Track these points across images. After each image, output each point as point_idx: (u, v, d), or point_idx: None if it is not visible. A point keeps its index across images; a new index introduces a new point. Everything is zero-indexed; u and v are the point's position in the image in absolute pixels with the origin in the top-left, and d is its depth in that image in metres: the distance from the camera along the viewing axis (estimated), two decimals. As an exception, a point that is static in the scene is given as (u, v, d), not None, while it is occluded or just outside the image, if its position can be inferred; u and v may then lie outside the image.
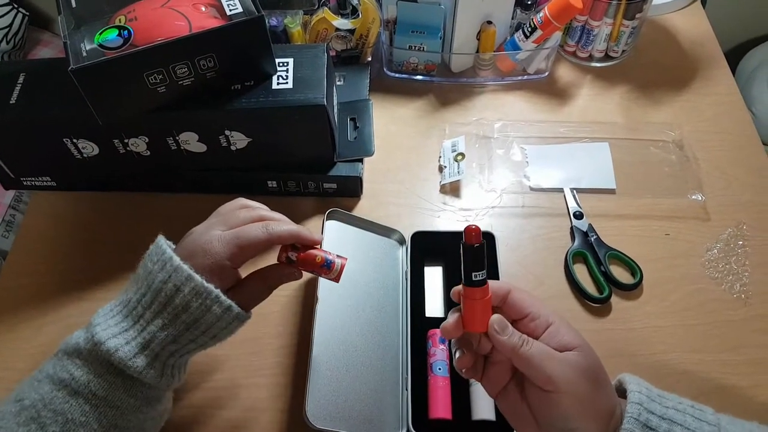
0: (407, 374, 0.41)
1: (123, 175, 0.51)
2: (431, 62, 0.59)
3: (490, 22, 0.57)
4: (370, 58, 0.59)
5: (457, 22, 0.55)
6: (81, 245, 0.50)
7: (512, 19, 0.59)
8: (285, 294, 0.47)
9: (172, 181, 0.52)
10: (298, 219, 0.51)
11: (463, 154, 0.54)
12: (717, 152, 0.55)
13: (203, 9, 0.42)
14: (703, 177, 0.53)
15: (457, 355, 0.31)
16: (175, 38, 0.39)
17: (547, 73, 0.61)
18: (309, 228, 0.34)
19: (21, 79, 0.45)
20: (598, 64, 0.63)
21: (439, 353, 0.41)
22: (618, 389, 0.32)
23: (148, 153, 0.47)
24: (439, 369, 0.41)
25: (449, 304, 0.45)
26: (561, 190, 0.53)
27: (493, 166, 0.55)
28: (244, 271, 0.34)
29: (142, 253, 0.34)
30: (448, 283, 0.47)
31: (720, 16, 0.74)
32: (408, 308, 0.44)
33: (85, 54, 0.38)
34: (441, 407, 0.39)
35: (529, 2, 0.58)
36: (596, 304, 0.46)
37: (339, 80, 0.56)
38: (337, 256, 0.34)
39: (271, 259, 0.35)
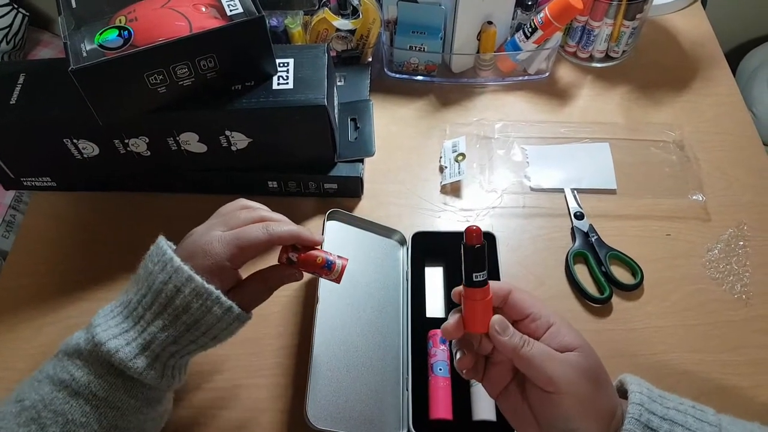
0: (408, 374, 0.41)
1: (123, 176, 0.51)
2: (432, 63, 0.59)
3: (490, 23, 0.57)
4: (370, 59, 0.59)
5: (457, 22, 0.55)
6: (81, 245, 0.50)
7: (513, 19, 0.59)
8: (285, 294, 0.47)
9: (172, 181, 0.52)
10: (298, 219, 0.51)
11: (463, 155, 0.54)
12: (717, 153, 0.55)
13: (203, 9, 0.42)
14: (704, 177, 0.53)
15: (458, 356, 0.31)
16: (176, 39, 0.39)
17: (547, 74, 0.61)
18: (309, 228, 0.34)
19: (21, 80, 0.45)
20: (598, 65, 0.63)
21: (439, 354, 0.41)
22: (619, 390, 0.32)
23: (149, 153, 0.47)
24: (440, 369, 0.41)
25: (450, 304, 0.45)
26: (562, 191, 0.53)
27: (493, 167, 0.55)
28: (245, 272, 0.34)
29: (142, 254, 0.33)
30: (449, 283, 0.47)
31: (720, 17, 0.74)
32: (408, 309, 0.44)
33: (85, 54, 0.38)
34: (442, 408, 0.39)
35: (530, 3, 0.58)
36: (597, 305, 0.46)
37: (339, 81, 0.56)
38: (338, 256, 0.34)
39: (272, 259, 0.35)
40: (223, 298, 0.31)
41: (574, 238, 0.50)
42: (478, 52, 0.59)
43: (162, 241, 0.33)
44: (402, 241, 0.49)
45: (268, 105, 0.43)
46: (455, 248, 0.30)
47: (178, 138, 0.46)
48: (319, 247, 0.34)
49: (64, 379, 0.30)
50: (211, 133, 0.46)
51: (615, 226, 0.50)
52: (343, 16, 0.56)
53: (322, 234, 0.44)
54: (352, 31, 0.56)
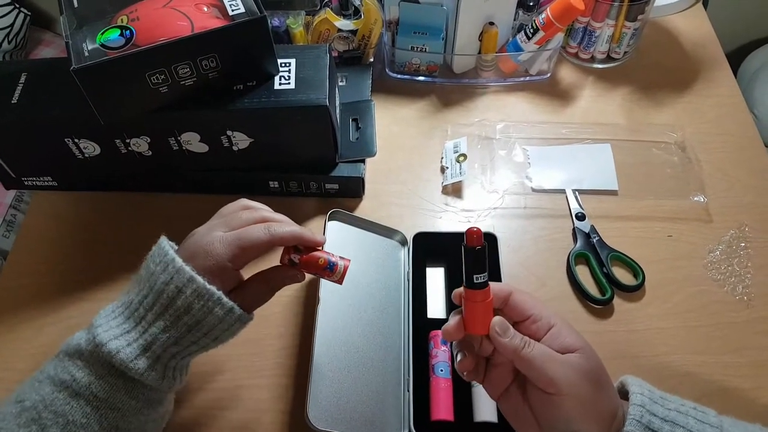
0: (409, 376, 0.41)
1: (124, 176, 0.51)
2: (433, 63, 0.59)
3: (492, 24, 0.57)
4: (372, 59, 0.59)
5: (459, 23, 0.55)
6: (82, 245, 0.50)
7: (514, 20, 0.59)
8: (286, 295, 0.47)
9: (173, 181, 0.52)
10: (299, 219, 0.51)
11: (465, 155, 0.54)
12: (719, 154, 0.55)
13: (205, 9, 0.42)
14: (705, 179, 0.53)
15: (459, 357, 0.31)
16: (177, 38, 0.39)
17: (549, 75, 0.61)
18: (311, 229, 0.34)
19: (23, 79, 0.45)
20: (600, 66, 0.63)
21: (440, 354, 0.41)
22: (620, 391, 0.32)
23: (150, 153, 0.47)
24: (441, 370, 0.41)
25: (451, 305, 0.44)
26: (563, 191, 0.53)
27: (495, 167, 0.55)
28: (247, 273, 0.34)
29: (143, 254, 0.33)
30: (450, 284, 0.47)
31: (722, 18, 0.74)
32: (410, 309, 0.44)
33: (87, 54, 0.38)
34: (443, 409, 0.39)
35: (531, 3, 0.58)
36: (598, 306, 0.46)
37: (341, 81, 0.56)
38: (340, 257, 0.34)
39: (273, 260, 0.35)
40: (225, 299, 0.31)
41: (575, 239, 0.50)
42: (479, 52, 0.59)
43: (164, 242, 0.32)
44: (403, 242, 0.49)
45: (270, 105, 0.43)
46: (456, 249, 0.30)
47: (179, 138, 0.46)
48: (320, 248, 0.34)
49: (64, 379, 0.30)
50: (213, 133, 0.46)
51: (616, 227, 0.50)
52: (344, 16, 0.56)
53: (324, 234, 0.44)
54: (353, 32, 0.56)
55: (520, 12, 0.59)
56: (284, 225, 0.33)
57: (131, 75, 0.40)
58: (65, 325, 0.46)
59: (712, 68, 0.63)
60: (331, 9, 0.55)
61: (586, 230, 0.50)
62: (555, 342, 0.29)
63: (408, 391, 0.41)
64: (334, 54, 0.57)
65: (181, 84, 0.42)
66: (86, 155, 0.47)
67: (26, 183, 0.51)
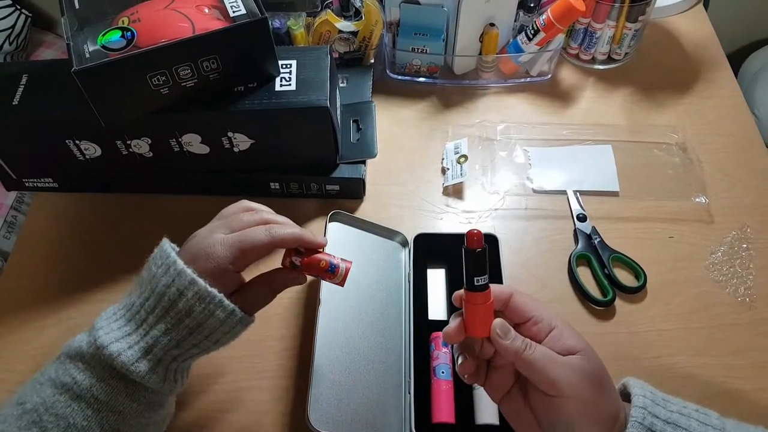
0: (410, 378, 0.41)
1: (125, 177, 0.51)
2: (434, 64, 0.59)
3: (492, 25, 0.57)
4: (372, 60, 0.59)
5: (459, 24, 0.55)
6: (83, 247, 0.50)
7: (515, 21, 0.59)
8: (287, 296, 0.47)
9: (174, 182, 0.52)
10: (300, 221, 0.51)
11: (465, 156, 0.54)
12: (720, 155, 0.55)
13: (206, 11, 0.42)
14: (707, 179, 0.53)
15: (460, 360, 0.31)
16: (179, 40, 0.39)
17: (549, 76, 0.61)
18: (312, 231, 0.34)
19: (24, 80, 0.45)
20: (600, 67, 0.63)
21: (442, 356, 0.41)
22: (622, 393, 0.32)
23: (151, 154, 0.47)
24: (442, 372, 0.40)
25: (452, 307, 0.44)
26: (564, 193, 0.53)
27: (495, 168, 0.55)
28: (248, 275, 0.34)
29: (144, 255, 0.33)
30: (451, 285, 0.47)
31: (722, 19, 0.74)
32: (410, 311, 0.44)
33: (88, 55, 0.38)
34: (444, 411, 0.39)
35: (532, 5, 0.58)
36: (600, 307, 0.46)
37: (342, 82, 0.56)
38: (342, 259, 0.34)
39: (275, 262, 0.35)
40: (226, 302, 0.30)
41: (576, 241, 0.49)
42: (480, 53, 0.59)
43: (166, 244, 0.32)
44: (404, 243, 0.49)
45: (271, 106, 0.43)
46: (457, 250, 0.29)
47: (180, 139, 0.46)
48: (322, 250, 0.34)
49: (65, 382, 0.30)
50: (214, 135, 0.46)
51: (618, 228, 0.50)
52: (345, 17, 0.56)
53: (324, 235, 0.44)
54: (354, 33, 0.56)
55: (521, 13, 0.59)
56: (285, 227, 0.33)
57: (132, 76, 0.40)
58: (66, 326, 0.46)
59: (712, 69, 0.63)
60: (332, 10, 0.55)
61: (588, 231, 0.50)
62: (556, 344, 0.29)
63: (409, 393, 0.40)
64: (335, 55, 0.57)
65: (182, 85, 0.42)
66: (87, 156, 0.47)
67: (27, 184, 0.51)
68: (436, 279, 0.47)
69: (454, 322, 0.30)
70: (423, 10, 0.55)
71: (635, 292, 0.46)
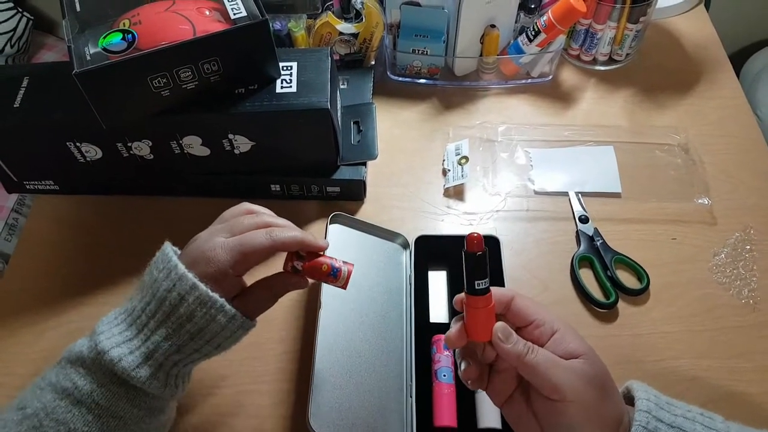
0: (411, 381, 0.41)
1: (126, 179, 0.51)
2: (434, 66, 0.59)
3: (493, 26, 0.57)
4: (373, 62, 0.59)
5: (460, 25, 0.55)
6: (84, 249, 0.50)
7: (516, 22, 0.59)
8: (288, 299, 0.47)
9: (175, 184, 0.52)
10: (301, 223, 0.51)
11: (467, 158, 0.53)
12: (722, 156, 0.55)
13: (207, 13, 0.42)
14: (709, 181, 0.53)
15: (463, 366, 0.31)
16: (179, 42, 0.39)
17: (550, 77, 0.61)
18: (313, 233, 0.34)
19: (25, 83, 0.45)
20: (602, 68, 0.63)
21: (443, 359, 0.41)
22: (625, 396, 0.31)
23: (152, 157, 0.47)
24: (444, 376, 0.40)
25: (453, 309, 0.44)
26: (566, 194, 0.52)
27: (497, 170, 0.54)
28: (249, 278, 0.34)
29: (145, 257, 0.33)
30: (453, 287, 0.46)
31: (723, 20, 0.73)
32: (412, 313, 0.44)
33: (89, 58, 0.38)
34: (446, 415, 0.39)
35: (533, 6, 0.58)
36: (603, 310, 0.46)
37: (342, 84, 0.56)
38: (344, 262, 0.33)
39: (277, 265, 0.34)
40: (228, 306, 0.30)
41: (578, 242, 0.49)
42: (481, 55, 0.59)
43: (168, 248, 0.32)
44: (405, 245, 0.49)
45: (272, 108, 0.43)
46: (458, 252, 0.29)
47: (181, 141, 0.46)
48: (323, 253, 0.34)
49: (66, 387, 0.29)
50: (215, 137, 0.46)
51: (620, 230, 0.50)
52: (346, 19, 0.56)
53: (325, 237, 0.44)
54: (355, 35, 0.56)
55: (522, 14, 0.59)
56: (286, 230, 0.32)
57: (133, 79, 0.40)
58: (67, 329, 0.45)
59: (714, 70, 0.62)
60: (333, 12, 0.55)
61: (590, 233, 0.49)
62: (559, 347, 0.29)
63: (410, 396, 0.40)
64: (336, 57, 0.57)
65: (182, 88, 0.42)
66: (88, 159, 0.47)
67: (28, 187, 0.51)
68: (438, 281, 0.47)
69: (455, 327, 0.30)
70: (423, 11, 0.55)
71: (638, 294, 0.46)
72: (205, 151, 0.47)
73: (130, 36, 0.39)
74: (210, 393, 0.42)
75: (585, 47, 0.61)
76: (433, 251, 0.47)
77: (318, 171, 0.50)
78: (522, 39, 0.57)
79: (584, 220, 0.50)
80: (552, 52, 0.58)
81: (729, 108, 0.59)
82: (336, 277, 0.33)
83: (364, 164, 0.51)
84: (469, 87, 0.61)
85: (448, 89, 0.61)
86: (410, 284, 0.46)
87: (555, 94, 0.61)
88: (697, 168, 0.54)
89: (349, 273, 0.33)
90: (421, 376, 0.41)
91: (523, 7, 0.58)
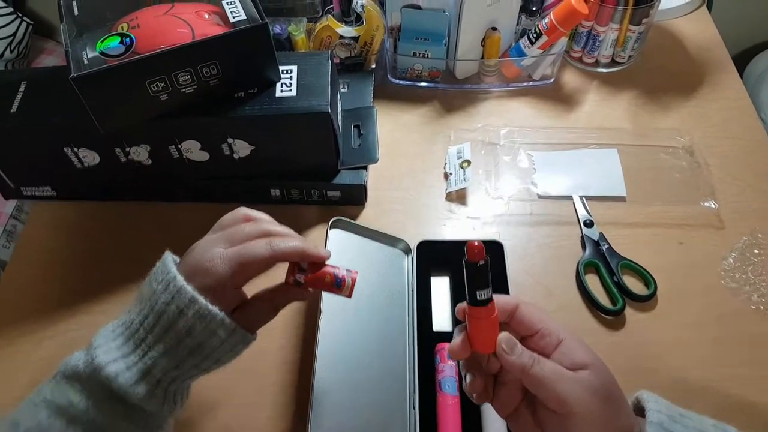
0: (414, 392, 0.40)
1: (124, 185, 0.50)
2: (435, 69, 0.59)
3: (494, 29, 0.57)
4: (374, 65, 0.59)
5: (461, 28, 0.55)
6: (82, 256, 0.49)
7: (517, 25, 0.58)
8: (288, 306, 0.46)
9: (174, 190, 0.52)
10: (301, 228, 0.50)
11: (468, 161, 0.53)
12: (728, 158, 0.54)
13: (206, 16, 0.41)
14: (715, 183, 0.52)
15: (468, 379, 0.30)
16: (178, 45, 0.39)
17: (552, 79, 0.61)
18: (313, 238, 0.33)
19: (22, 88, 0.44)
20: (604, 70, 0.62)
21: (447, 369, 0.40)
22: (635, 407, 0.30)
23: (150, 162, 0.47)
24: (448, 386, 0.39)
25: (457, 317, 0.43)
26: (570, 198, 0.52)
27: (499, 173, 0.54)
28: (249, 288, 0.33)
29: (143, 263, 0.32)
30: (456, 294, 0.46)
31: (726, 21, 0.73)
32: (414, 321, 0.43)
33: (86, 62, 0.38)
34: (450, 427, 0.38)
35: (534, 8, 0.57)
36: (610, 317, 0.45)
37: (343, 87, 0.56)
38: (346, 270, 0.32)
39: (277, 273, 0.33)
40: (228, 320, 0.29)
41: (584, 247, 0.48)
42: (482, 58, 0.59)
43: (168, 258, 0.31)
44: (407, 250, 0.48)
45: (271, 112, 0.43)
46: (461, 257, 0.28)
47: (179, 146, 0.45)
48: (325, 263, 0.33)
49: (61, 404, 0.28)
50: (214, 141, 0.45)
51: (626, 234, 0.49)
52: (346, 23, 0.55)
53: (325, 242, 0.43)
54: (355, 38, 0.56)
55: (523, 17, 0.58)
56: (287, 240, 0.31)
57: (131, 83, 0.39)
58: (65, 338, 0.45)
59: (717, 71, 0.62)
60: (333, 16, 0.55)
61: (595, 238, 0.49)
62: (565, 358, 0.28)
63: (414, 408, 0.39)
64: (336, 61, 0.57)
65: (181, 92, 0.41)
66: (85, 164, 0.46)
67: (25, 193, 0.50)
68: (441, 287, 0.46)
69: (458, 338, 0.29)
70: (424, 14, 0.55)
71: (646, 301, 0.45)
72: (204, 156, 0.46)
73: (128, 40, 0.39)
74: (207, 407, 0.41)
75: (587, 49, 0.61)
76: (435, 257, 0.47)
77: (318, 175, 0.49)
78: (524, 41, 0.57)
79: (589, 224, 0.49)
80: (554, 55, 0.57)
81: (733, 110, 0.58)
82: (340, 287, 0.32)
83: (365, 168, 0.50)
84: (470, 90, 0.61)
85: (449, 92, 0.60)
86: (412, 291, 0.45)
87: (557, 96, 0.60)
88: (702, 171, 0.53)
89: (353, 281, 0.32)
90: (424, 387, 0.40)
91: (524, 9, 0.57)
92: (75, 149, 0.45)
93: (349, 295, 0.32)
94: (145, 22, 0.40)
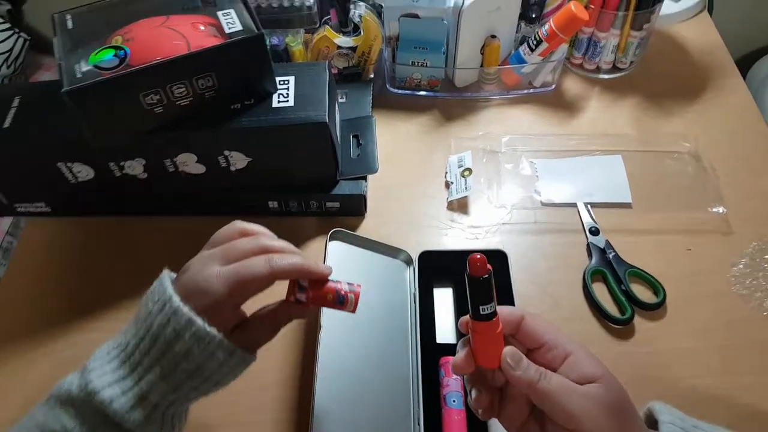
0: (419, 407, 0.38)
1: (119, 199, 0.50)
2: (435, 77, 0.58)
3: (494, 36, 0.56)
4: (372, 75, 0.58)
5: (460, 37, 0.55)
6: (77, 273, 0.48)
7: (517, 32, 0.58)
8: (287, 320, 0.45)
9: (169, 204, 0.51)
10: (300, 240, 0.49)
11: (470, 170, 0.52)
12: (734, 162, 0.53)
13: (202, 28, 0.41)
14: (723, 188, 0.51)
15: (473, 394, 0.28)
16: (173, 57, 0.38)
17: (553, 86, 0.60)
18: (314, 252, 0.32)
19: (16, 102, 0.44)
20: (606, 76, 0.62)
21: (452, 384, 0.39)
22: (648, 419, 0.29)
23: (145, 175, 0.46)
24: (454, 401, 0.38)
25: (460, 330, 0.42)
26: (574, 205, 0.51)
27: (501, 181, 0.53)
28: (250, 302, 0.32)
29: (139, 279, 0.31)
30: (459, 305, 0.44)
31: (727, 26, 0.73)
32: (417, 334, 0.42)
33: (80, 75, 0.37)
34: (456, 443, 0.36)
35: (534, 15, 0.57)
36: (618, 326, 0.44)
37: (341, 98, 0.55)
38: (348, 284, 0.31)
39: (277, 289, 0.32)
40: (227, 342, 0.28)
41: (590, 255, 0.47)
42: (481, 66, 0.58)
43: (165, 277, 0.30)
44: (408, 261, 0.47)
45: (268, 123, 0.42)
46: (464, 268, 0.27)
47: (175, 159, 0.45)
48: (327, 279, 0.32)
49: (55, 430, 0.27)
50: (210, 154, 0.44)
51: (632, 241, 0.48)
52: (344, 33, 0.55)
53: (325, 254, 0.42)
54: (353, 48, 0.55)
55: (523, 24, 0.58)
56: (286, 257, 0.30)
57: (125, 96, 0.39)
58: (59, 357, 0.44)
59: (721, 76, 0.61)
60: (331, 26, 0.55)
61: (601, 245, 0.48)
62: (573, 371, 0.27)
63: (418, 424, 0.38)
64: (334, 71, 0.56)
65: (176, 104, 0.41)
66: (80, 179, 0.46)
67: (19, 209, 0.50)
68: (444, 299, 0.45)
69: (462, 352, 0.28)
70: (422, 23, 0.54)
71: (654, 309, 0.44)
72: (200, 169, 0.46)
73: (122, 52, 0.38)
74: (206, 427, 0.40)
75: (588, 56, 0.60)
76: (437, 267, 0.46)
77: (317, 186, 0.48)
78: (523, 49, 0.56)
79: (595, 232, 0.48)
80: (554, 62, 0.57)
81: (738, 114, 0.58)
82: (343, 303, 0.31)
83: (365, 178, 0.50)
84: (470, 98, 0.60)
85: (448, 101, 0.60)
86: (415, 303, 0.44)
87: (558, 103, 0.59)
88: (709, 176, 0.52)
89: (357, 296, 0.31)
90: (428, 402, 0.39)
91: (524, 16, 0.57)
92: (69, 164, 0.44)
93: (353, 311, 0.31)
94: (139, 35, 0.40)
